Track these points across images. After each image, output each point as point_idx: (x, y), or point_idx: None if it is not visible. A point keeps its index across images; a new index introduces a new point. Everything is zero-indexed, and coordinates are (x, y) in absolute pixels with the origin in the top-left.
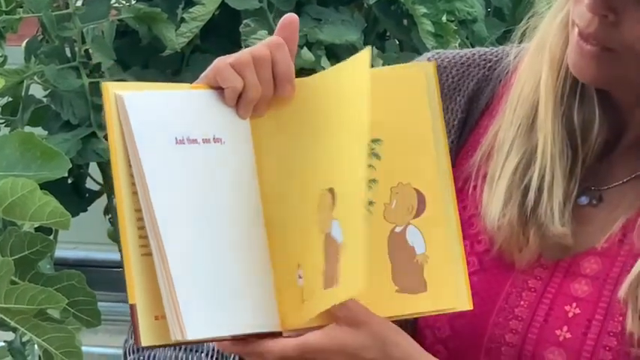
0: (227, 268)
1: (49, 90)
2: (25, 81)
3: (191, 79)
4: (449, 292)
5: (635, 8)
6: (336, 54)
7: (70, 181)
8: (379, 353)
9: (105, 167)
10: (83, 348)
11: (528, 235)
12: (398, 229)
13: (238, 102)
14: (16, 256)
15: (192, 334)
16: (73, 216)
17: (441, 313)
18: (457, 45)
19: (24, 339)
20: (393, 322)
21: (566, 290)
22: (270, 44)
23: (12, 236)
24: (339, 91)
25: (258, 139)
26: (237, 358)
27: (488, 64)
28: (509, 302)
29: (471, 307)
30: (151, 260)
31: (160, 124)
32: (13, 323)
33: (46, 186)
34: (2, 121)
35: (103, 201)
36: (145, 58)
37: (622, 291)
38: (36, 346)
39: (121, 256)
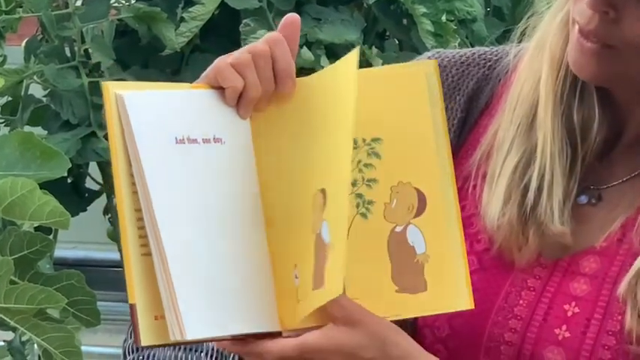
0: (227, 268)
1: (49, 89)
2: (24, 80)
3: (191, 79)
4: (450, 291)
5: (635, 5)
6: (336, 53)
7: (69, 180)
8: (378, 352)
9: (104, 167)
10: (83, 347)
11: (528, 235)
12: (398, 229)
13: (239, 102)
14: (16, 256)
15: (191, 334)
16: (72, 215)
17: (442, 313)
18: (457, 44)
19: (23, 338)
20: (392, 321)
21: (566, 289)
22: (270, 40)
23: (11, 236)
24: (330, 91)
25: (258, 139)
26: (237, 358)
27: (488, 64)
28: (508, 301)
29: (472, 307)
30: (150, 260)
31: (160, 123)
32: (12, 323)
33: (46, 185)
34: (2, 120)
35: (102, 201)
36: (144, 57)
37: (621, 289)
38: (35, 345)
39: (121, 256)
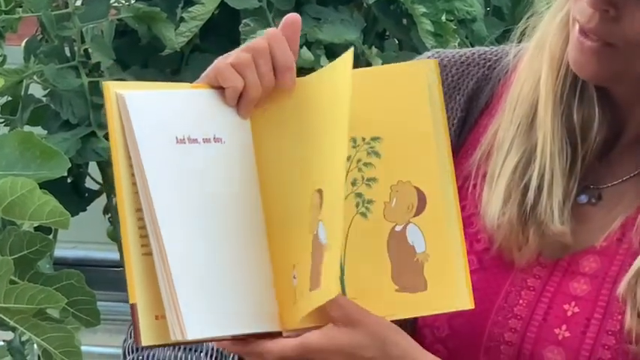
0: (227, 267)
1: (49, 89)
2: (24, 80)
3: (190, 79)
4: (450, 291)
5: (635, 3)
6: (336, 53)
7: (69, 180)
8: (378, 352)
9: (104, 167)
10: (82, 347)
11: (528, 234)
12: (398, 228)
13: (239, 102)
14: (16, 256)
15: (192, 334)
16: (72, 215)
17: (442, 312)
18: (456, 44)
19: (23, 338)
20: (392, 321)
21: (565, 289)
22: (269, 36)
23: (11, 235)
24: (326, 91)
25: (259, 139)
26: (237, 358)
27: (488, 64)
28: (508, 301)
29: (472, 306)
30: (151, 260)
31: (160, 123)
32: (12, 323)
33: (46, 185)
34: (2, 120)
35: (102, 200)
36: (144, 57)
37: (621, 288)
38: (35, 345)
39: (121, 256)
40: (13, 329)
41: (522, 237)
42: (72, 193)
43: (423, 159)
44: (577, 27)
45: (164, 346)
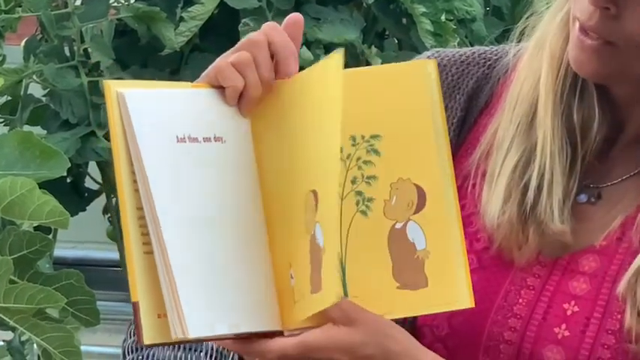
0: (228, 266)
1: (48, 89)
2: (24, 80)
3: (190, 78)
4: (450, 289)
5: (636, 1)
6: None
7: (69, 180)
8: (377, 349)
9: (104, 166)
10: (82, 347)
11: (528, 233)
12: (398, 226)
13: (239, 101)
14: (15, 255)
15: (193, 333)
16: (72, 215)
17: (442, 311)
18: (456, 44)
19: (23, 338)
20: (391, 320)
21: (565, 288)
22: (265, 28)
23: (11, 235)
24: (320, 89)
25: (259, 138)
26: (237, 357)
27: (488, 63)
28: (507, 300)
29: (473, 305)
30: (153, 258)
31: (161, 122)
32: (12, 322)
33: (45, 185)
34: (1, 120)
35: (102, 200)
36: (143, 57)
37: (621, 287)
38: (35, 345)
39: (121, 256)
40: (13, 329)
41: (522, 236)
42: (71, 192)
43: (423, 157)
44: (577, 25)
45: (166, 344)
